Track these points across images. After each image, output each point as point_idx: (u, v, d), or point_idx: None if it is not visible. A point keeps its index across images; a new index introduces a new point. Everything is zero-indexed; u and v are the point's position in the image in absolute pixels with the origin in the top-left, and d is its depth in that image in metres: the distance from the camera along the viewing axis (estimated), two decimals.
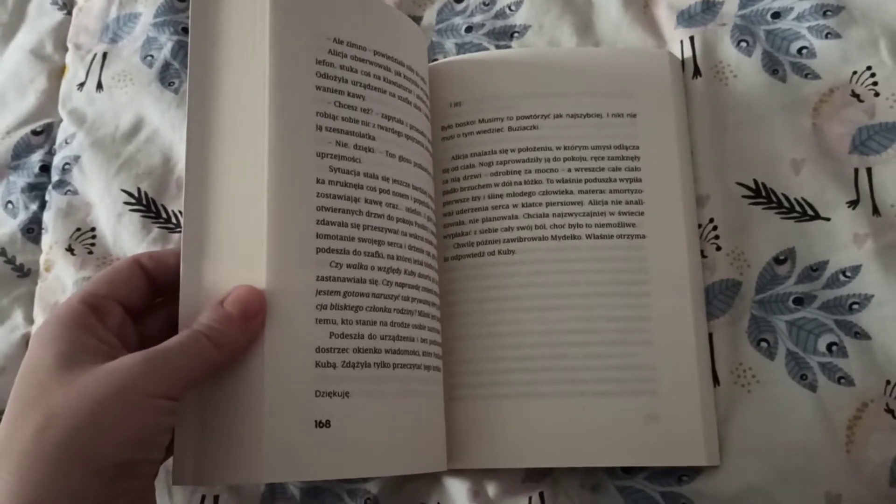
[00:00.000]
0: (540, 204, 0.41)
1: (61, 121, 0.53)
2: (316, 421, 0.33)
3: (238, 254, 0.34)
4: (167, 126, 0.50)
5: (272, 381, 0.33)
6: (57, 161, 0.51)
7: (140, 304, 0.36)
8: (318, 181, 0.35)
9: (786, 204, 0.41)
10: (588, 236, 0.41)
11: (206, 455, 0.33)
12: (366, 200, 0.36)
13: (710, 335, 0.41)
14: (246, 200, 0.35)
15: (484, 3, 0.50)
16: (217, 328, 0.32)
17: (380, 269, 0.36)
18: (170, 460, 0.34)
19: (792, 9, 0.44)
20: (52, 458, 0.28)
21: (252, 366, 0.33)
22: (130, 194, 0.49)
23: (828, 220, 0.41)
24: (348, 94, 0.37)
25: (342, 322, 0.35)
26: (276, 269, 0.34)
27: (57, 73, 0.55)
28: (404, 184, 0.38)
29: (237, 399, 0.33)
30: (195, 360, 0.32)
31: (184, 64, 0.51)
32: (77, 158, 0.50)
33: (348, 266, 0.35)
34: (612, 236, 0.41)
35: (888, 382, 0.38)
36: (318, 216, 0.35)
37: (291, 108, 0.36)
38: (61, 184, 0.50)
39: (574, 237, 0.41)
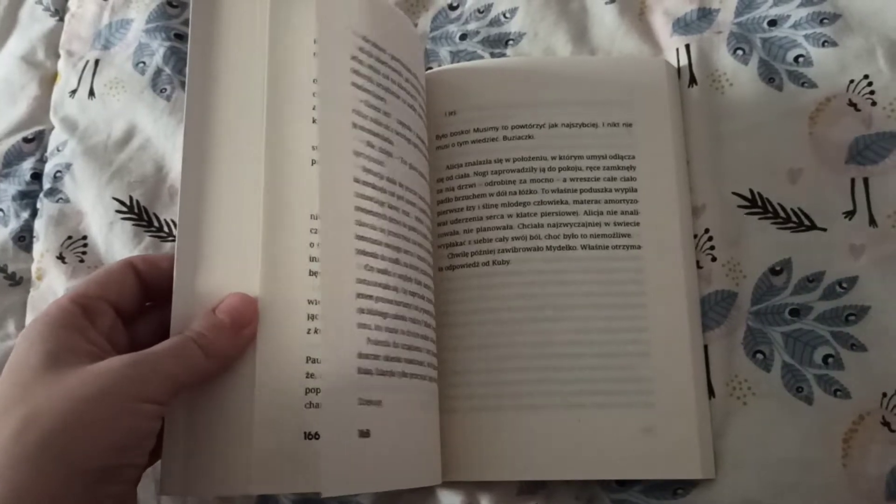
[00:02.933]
0: (535, 214, 0.41)
1: (53, 128, 0.53)
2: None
3: (232, 261, 0.34)
4: (160, 134, 0.50)
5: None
6: (48, 169, 0.51)
7: (132, 308, 0.36)
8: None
9: (782, 214, 0.41)
10: (583, 247, 0.40)
11: (194, 465, 0.32)
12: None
13: (706, 347, 0.40)
14: (241, 208, 0.34)
15: (479, 11, 0.50)
16: (207, 336, 0.32)
17: None
18: (157, 467, 0.33)
19: (789, 17, 0.44)
20: (32, 459, 0.28)
21: (243, 375, 0.33)
22: (122, 202, 0.48)
23: (824, 230, 0.40)
24: (374, 96, 0.36)
25: None
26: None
27: (49, 80, 0.54)
28: (412, 191, 0.38)
29: (227, 408, 0.33)
30: (183, 367, 0.31)
31: (176, 70, 0.51)
32: (69, 166, 0.50)
33: None
34: (607, 247, 0.40)
35: (884, 395, 0.37)
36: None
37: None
38: (53, 192, 0.50)
39: (569, 247, 0.40)
